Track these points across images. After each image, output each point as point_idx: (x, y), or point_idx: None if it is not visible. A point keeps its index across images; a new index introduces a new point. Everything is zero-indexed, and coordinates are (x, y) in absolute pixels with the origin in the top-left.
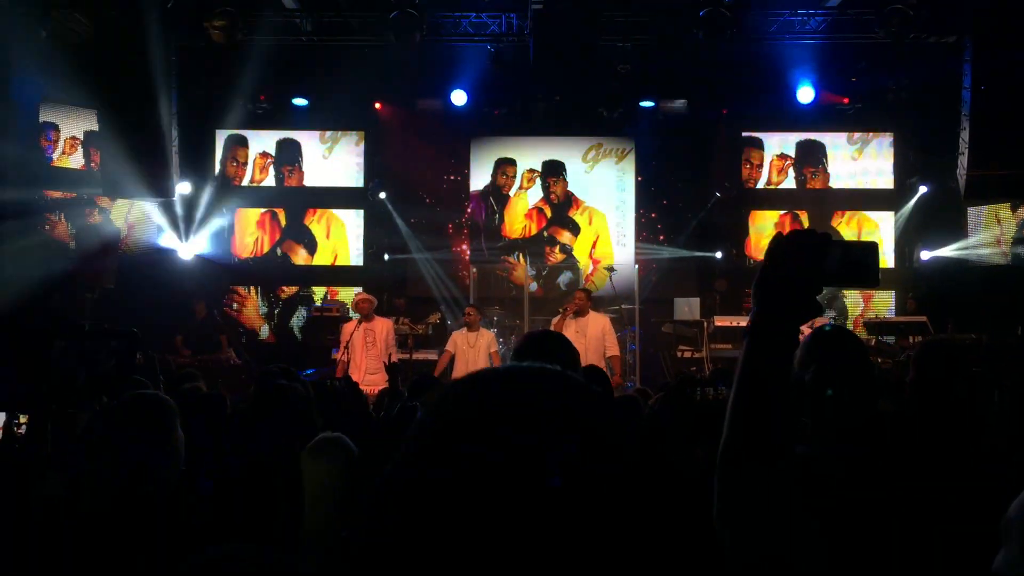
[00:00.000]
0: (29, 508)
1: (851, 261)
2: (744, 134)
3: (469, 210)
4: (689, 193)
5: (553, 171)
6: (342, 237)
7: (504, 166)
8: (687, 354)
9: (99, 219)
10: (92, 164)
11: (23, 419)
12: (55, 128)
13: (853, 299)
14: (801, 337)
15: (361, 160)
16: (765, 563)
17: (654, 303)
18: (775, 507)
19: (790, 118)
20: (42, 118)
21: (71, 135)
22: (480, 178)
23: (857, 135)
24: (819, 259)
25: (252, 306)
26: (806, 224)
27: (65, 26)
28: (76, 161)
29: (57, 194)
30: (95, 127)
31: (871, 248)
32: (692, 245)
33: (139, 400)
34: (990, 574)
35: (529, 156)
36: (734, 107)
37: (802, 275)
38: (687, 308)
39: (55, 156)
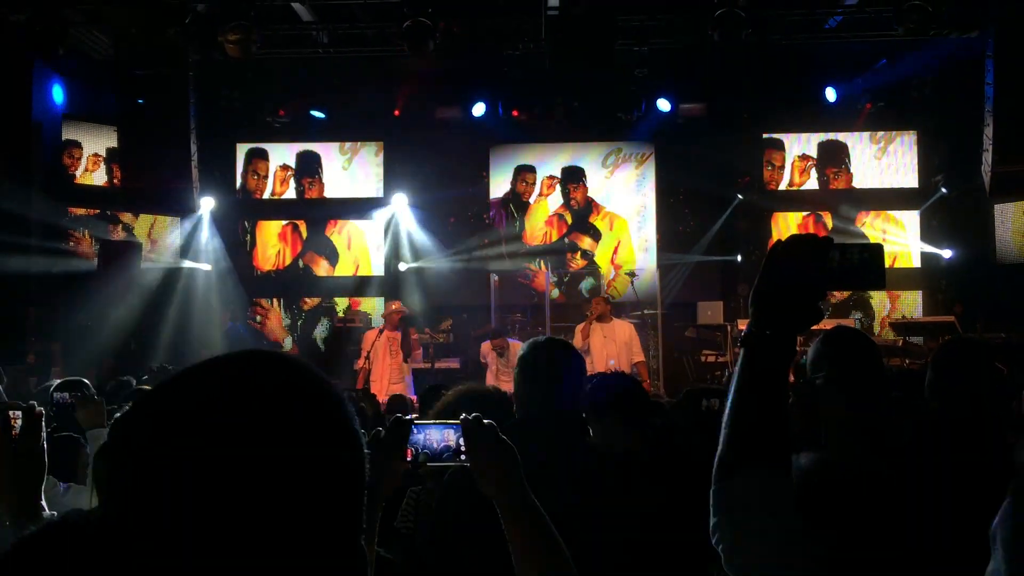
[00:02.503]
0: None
1: (855, 263)
2: (765, 135)
3: (490, 218)
4: (710, 196)
5: (573, 177)
6: (363, 248)
7: (524, 173)
8: (711, 358)
9: (122, 235)
10: (115, 180)
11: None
12: (78, 146)
13: (879, 299)
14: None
15: (381, 170)
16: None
17: (677, 308)
18: (771, 520)
19: (811, 118)
20: (64, 136)
21: (93, 152)
22: (500, 186)
23: (880, 134)
24: (822, 262)
25: (275, 318)
26: (830, 225)
27: (85, 44)
28: (99, 178)
29: (81, 211)
30: (117, 144)
31: (875, 249)
32: (714, 249)
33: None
34: None
35: (548, 162)
36: (754, 109)
37: (804, 280)
38: (710, 312)
39: (78, 173)
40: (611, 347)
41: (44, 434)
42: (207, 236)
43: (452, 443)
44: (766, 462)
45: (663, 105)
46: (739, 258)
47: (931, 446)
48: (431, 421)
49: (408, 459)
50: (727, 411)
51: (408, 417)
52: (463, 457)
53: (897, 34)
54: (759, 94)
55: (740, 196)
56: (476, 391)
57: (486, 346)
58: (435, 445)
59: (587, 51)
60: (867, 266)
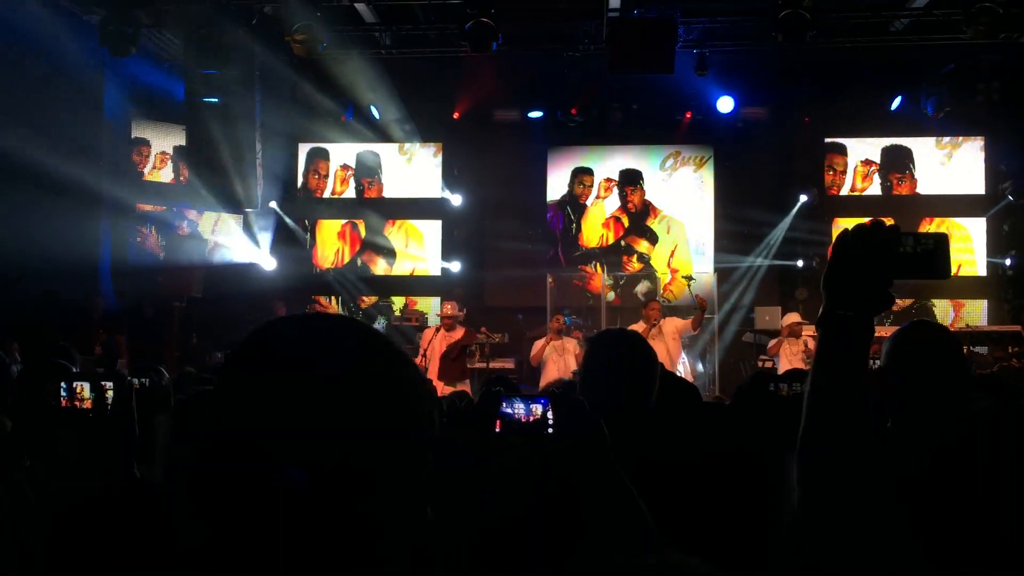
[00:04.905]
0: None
1: (921, 252)
2: (827, 140)
3: (547, 220)
4: (770, 200)
5: (630, 180)
6: (420, 247)
7: (581, 176)
8: (768, 364)
9: (187, 231)
10: (181, 178)
11: (109, 388)
12: (146, 144)
13: (943, 308)
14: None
15: (439, 171)
16: (847, 548)
17: (734, 313)
18: (855, 489)
19: (875, 123)
20: (134, 134)
21: (161, 150)
22: (557, 188)
23: (946, 139)
24: (888, 250)
25: None
26: None
27: (155, 45)
28: (166, 175)
29: (148, 207)
30: (183, 142)
31: (941, 239)
32: (773, 253)
33: (205, 396)
34: None
35: (606, 165)
36: (816, 112)
37: (871, 267)
38: (768, 317)
39: (146, 171)
40: (661, 345)
41: (134, 404)
42: (269, 234)
43: (539, 416)
44: (843, 434)
45: (724, 107)
46: (800, 263)
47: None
48: (520, 394)
49: (497, 430)
50: (807, 389)
51: (496, 389)
52: (550, 430)
53: (966, 37)
54: (822, 98)
55: (805, 196)
56: (615, 331)
57: (540, 344)
58: (523, 418)
59: (647, 54)
60: (933, 255)
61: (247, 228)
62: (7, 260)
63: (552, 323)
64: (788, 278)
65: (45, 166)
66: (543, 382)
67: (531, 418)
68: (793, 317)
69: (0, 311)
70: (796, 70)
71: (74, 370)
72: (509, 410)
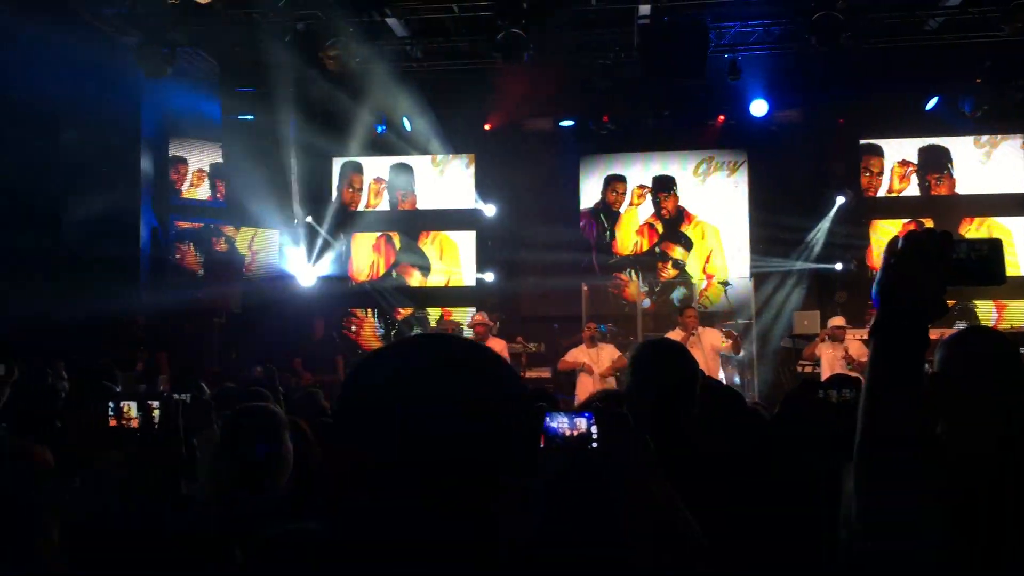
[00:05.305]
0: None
1: (974, 258)
2: (862, 141)
3: (580, 228)
4: (805, 204)
5: (664, 186)
6: (455, 258)
7: (614, 183)
8: (807, 369)
9: (225, 247)
10: (218, 195)
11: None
12: (183, 162)
13: (986, 309)
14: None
15: (472, 182)
16: (903, 560)
17: (771, 317)
18: (913, 500)
19: (911, 123)
20: (171, 152)
21: (198, 168)
22: (590, 196)
23: (984, 138)
24: (942, 257)
25: (369, 328)
26: None
27: (191, 64)
28: (203, 192)
29: (186, 224)
30: (220, 159)
31: (995, 244)
32: (810, 257)
33: (251, 410)
34: None
35: (639, 172)
36: (851, 114)
37: (926, 275)
38: (806, 322)
39: (184, 188)
40: (700, 355)
41: (180, 423)
42: (305, 248)
43: (583, 431)
44: (901, 444)
45: (758, 111)
46: (839, 266)
47: None
48: (563, 409)
49: (541, 445)
50: (863, 397)
51: (540, 405)
52: (594, 445)
53: (1003, 34)
54: (856, 99)
55: (842, 197)
56: (662, 342)
57: (579, 352)
58: (567, 432)
59: (679, 60)
60: (988, 261)
61: (283, 243)
62: (49, 278)
63: (584, 331)
64: (826, 282)
65: (84, 184)
66: (578, 390)
67: (575, 432)
68: (838, 321)
69: (43, 329)
70: (829, 71)
71: (117, 389)
72: (553, 425)
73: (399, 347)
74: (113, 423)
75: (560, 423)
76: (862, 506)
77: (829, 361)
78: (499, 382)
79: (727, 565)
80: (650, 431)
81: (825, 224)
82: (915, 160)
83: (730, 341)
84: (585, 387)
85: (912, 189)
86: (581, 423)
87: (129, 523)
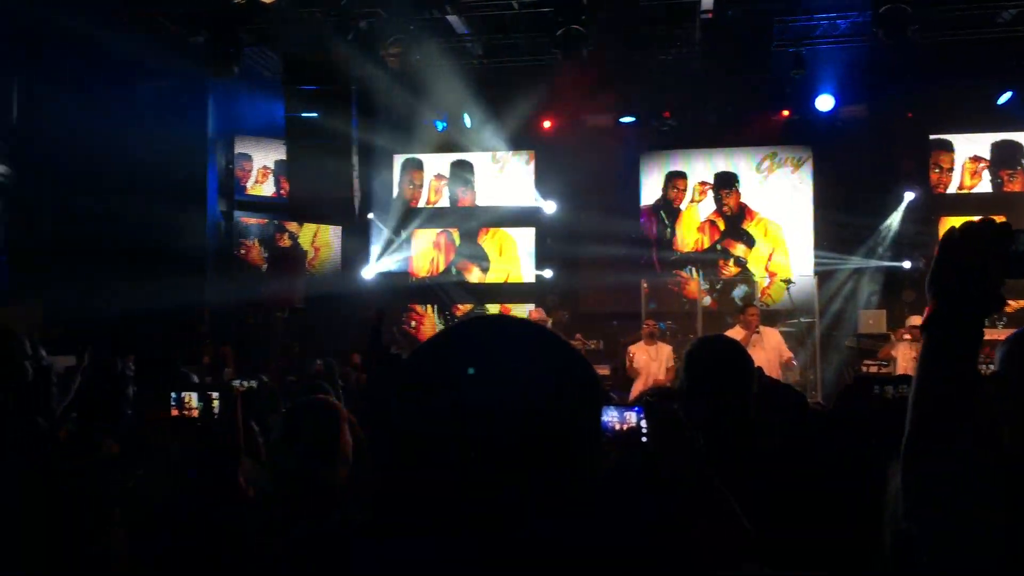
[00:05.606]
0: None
1: None
2: (932, 136)
3: (641, 225)
4: (872, 200)
5: (725, 183)
6: (514, 254)
7: (675, 179)
8: (873, 369)
9: (288, 243)
10: (282, 192)
11: (215, 399)
12: (248, 159)
13: None
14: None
15: (532, 178)
16: (956, 558)
17: (836, 316)
18: (964, 498)
19: (982, 118)
20: (237, 150)
21: (263, 165)
22: (651, 192)
23: None
24: (1000, 249)
25: (429, 324)
26: None
27: (257, 63)
28: (267, 189)
29: (251, 220)
30: (284, 156)
31: None
32: (876, 255)
33: (309, 404)
34: None
35: (700, 168)
36: (920, 108)
37: (982, 266)
38: (872, 321)
39: (248, 185)
40: (762, 354)
41: (240, 414)
42: (366, 244)
43: (633, 425)
44: (951, 442)
45: (823, 106)
46: (907, 264)
47: None
48: (614, 402)
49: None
50: (912, 394)
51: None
52: (644, 439)
53: None
54: (925, 93)
55: (911, 193)
56: (719, 340)
57: (636, 349)
58: (616, 426)
59: (742, 54)
60: None
61: (346, 239)
62: (118, 274)
63: (644, 329)
64: (894, 280)
65: (154, 181)
66: (635, 386)
67: (625, 426)
68: (917, 320)
69: (113, 323)
70: (896, 65)
71: (194, 379)
72: (603, 418)
73: (462, 326)
74: (175, 413)
75: (610, 417)
76: (909, 508)
77: (905, 362)
78: (564, 362)
79: (776, 564)
80: (703, 429)
81: (893, 221)
82: (987, 156)
83: (790, 354)
84: (641, 384)
85: (984, 185)
86: (631, 417)
87: (183, 513)
